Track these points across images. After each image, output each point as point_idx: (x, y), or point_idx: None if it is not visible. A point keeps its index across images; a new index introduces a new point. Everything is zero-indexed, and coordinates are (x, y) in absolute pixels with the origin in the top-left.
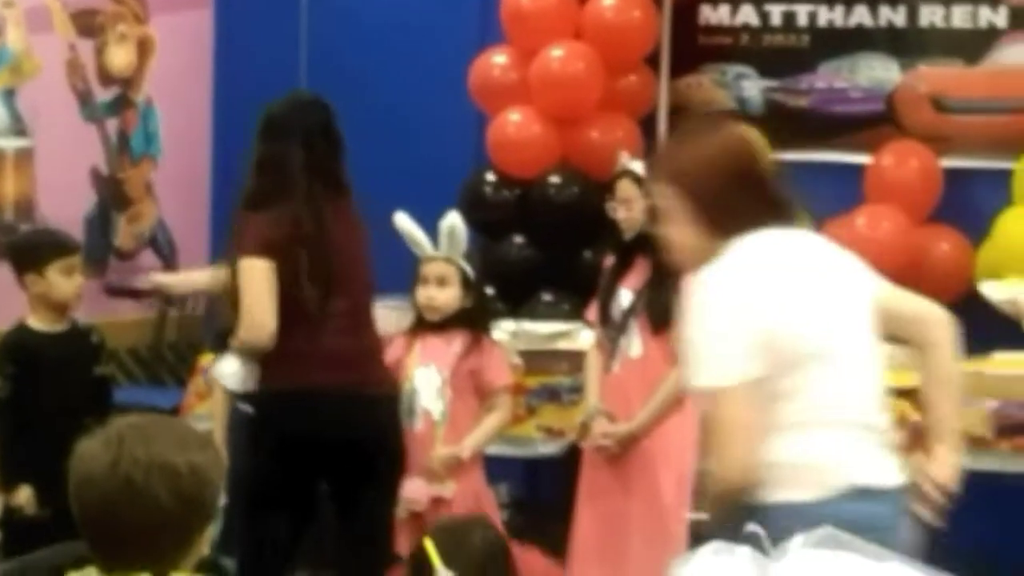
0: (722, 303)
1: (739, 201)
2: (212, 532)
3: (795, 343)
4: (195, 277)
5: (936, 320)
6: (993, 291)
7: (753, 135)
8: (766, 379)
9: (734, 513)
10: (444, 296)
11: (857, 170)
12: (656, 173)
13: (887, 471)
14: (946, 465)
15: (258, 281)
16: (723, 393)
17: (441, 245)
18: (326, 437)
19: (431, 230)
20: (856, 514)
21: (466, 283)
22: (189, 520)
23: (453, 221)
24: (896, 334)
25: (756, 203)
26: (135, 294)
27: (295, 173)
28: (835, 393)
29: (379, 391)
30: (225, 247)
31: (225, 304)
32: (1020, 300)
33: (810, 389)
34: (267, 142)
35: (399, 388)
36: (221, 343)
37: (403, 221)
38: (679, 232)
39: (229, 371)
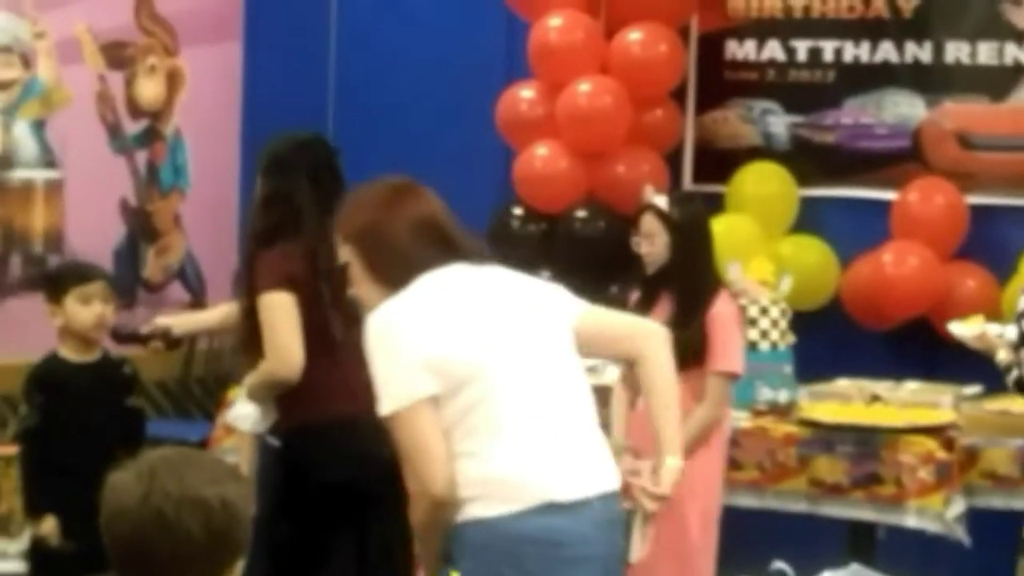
0: (389, 337)
1: (411, 253)
2: (241, 568)
3: (460, 365)
4: (202, 317)
5: (644, 333)
6: (961, 330)
7: (424, 189)
8: (443, 398)
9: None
10: None
11: (883, 206)
12: (337, 233)
13: (585, 481)
14: (666, 476)
15: (283, 315)
16: (404, 415)
17: None
18: (351, 467)
19: None
20: (546, 529)
21: None
22: (220, 555)
23: None
24: (609, 353)
25: (429, 252)
26: (140, 339)
27: (304, 208)
28: (517, 408)
29: None
30: (235, 286)
31: (237, 344)
32: (988, 334)
33: (488, 407)
34: (273, 179)
35: None
36: None
37: None
38: (362, 288)
39: (244, 413)
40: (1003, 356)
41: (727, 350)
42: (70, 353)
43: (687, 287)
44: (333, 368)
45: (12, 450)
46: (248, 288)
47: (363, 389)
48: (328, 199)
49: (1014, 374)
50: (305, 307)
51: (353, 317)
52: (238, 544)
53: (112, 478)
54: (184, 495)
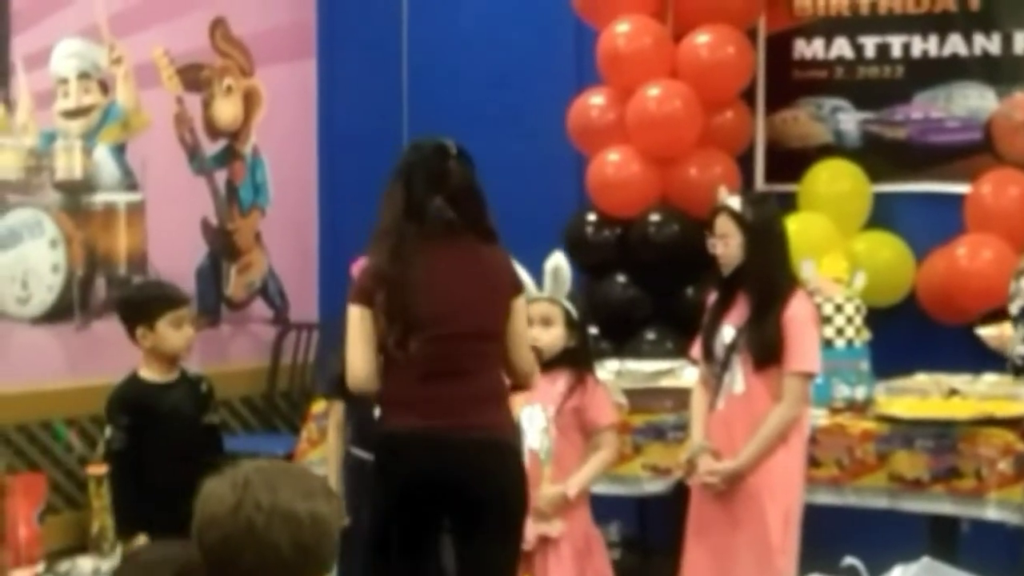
0: None
1: None
2: None
3: None
4: None
5: None
6: (985, 331)
7: None
8: None
9: None
10: (549, 336)
11: (956, 200)
12: None
13: None
14: None
15: (352, 328)
16: None
17: (546, 285)
18: (409, 484)
19: (534, 271)
20: None
21: (570, 323)
22: (305, 568)
23: (558, 261)
24: None
25: None
26: None
27: (391, 215)
28: None
29: (476, 436)
30: None
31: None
32: (1005, 333)
33: None
34: (387, 186)
35: (509, 433)
36: (333, 390)
37: None
38: None
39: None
40: (1012, 351)
41: (804, 350)
42: (152, 374)
43: (763, 287)
44: (393, 382)
45: (103, 470)
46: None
47: (424, 404)
48: (416, 205)
49: (1011, 351)
50: (374, 319)
51: (409, 328)
52: (324, 559)
53: (207, 486)
54: (275, 508)
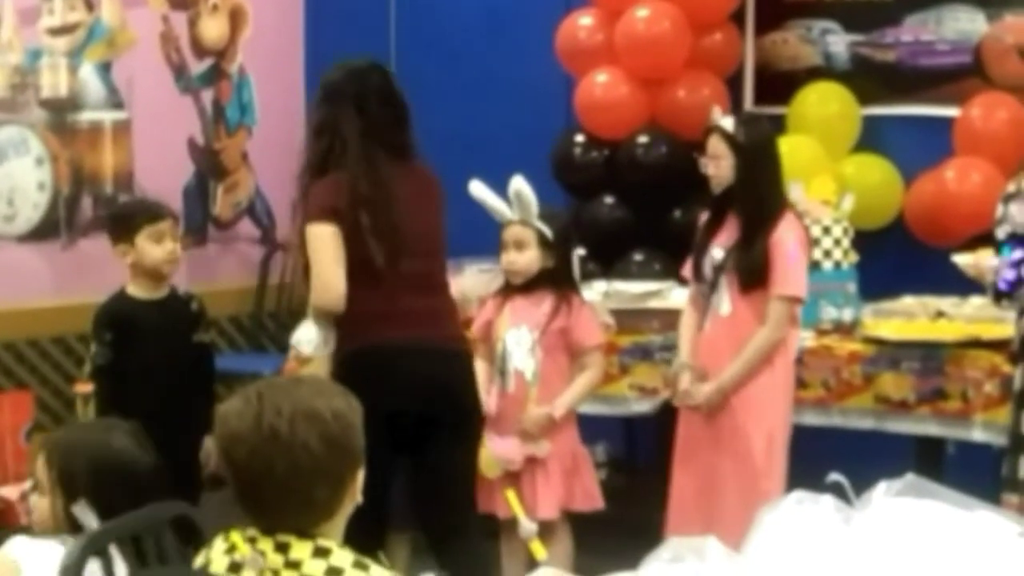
0: None
1: None
2: (362, 478)
3: None
4: None
5: None
6: (961, 259)
7: None
8: None
9: None
10: (523, 259)
11: (946, 123)
12: None
13: None
14: None
15: (324, 247)
16: None
17: (512, 209)
18: (402, 392)
19: None
20: None
21: (544, 244)
22: (339, 464)
23: (518, 185)
24: None
25: None
26: None
27: (350, 137)
28: None
29: (452, 346)
30: (292, 216)
31: (299, 273)
32: (982, 262)
33: None
34: (323, 108)
35: (470, 345)
36: None
37: (477, 189)
38: None
39: (307, 337)
40: (989, 279)
41: (789, 273)
42: (138, 291)
43: (752, 209)
44: (378, 297)
45: (90, 388)
46: (302, 218)
47: (411, 316)
48: (376, 127)
49: (988, 279)
50: (348, 238)
51: (397, 246)
52: (355, 453)
53: (221, 408)
54: (296, 409)
